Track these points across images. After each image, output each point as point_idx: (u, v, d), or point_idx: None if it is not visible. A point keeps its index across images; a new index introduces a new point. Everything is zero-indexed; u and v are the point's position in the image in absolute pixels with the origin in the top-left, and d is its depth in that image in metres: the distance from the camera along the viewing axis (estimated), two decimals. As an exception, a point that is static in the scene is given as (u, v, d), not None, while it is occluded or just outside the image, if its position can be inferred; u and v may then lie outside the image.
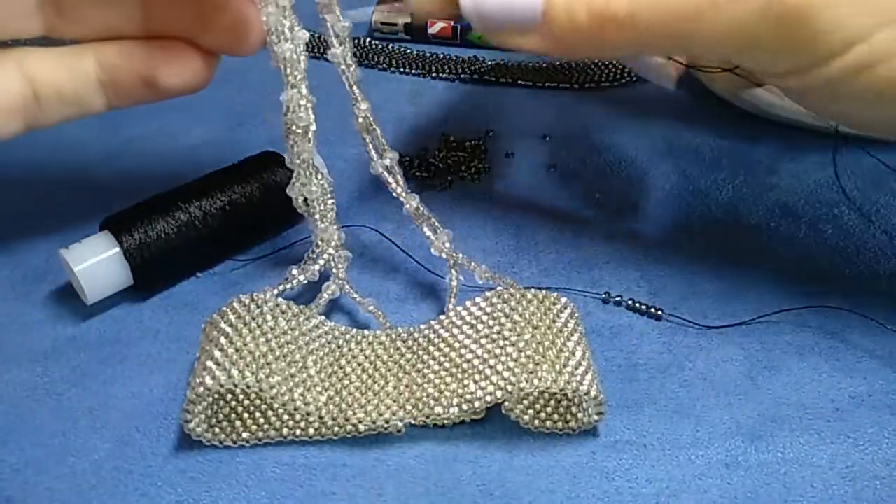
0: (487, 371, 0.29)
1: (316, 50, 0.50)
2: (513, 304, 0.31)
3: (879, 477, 0.29)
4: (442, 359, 0.31)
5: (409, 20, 0.51)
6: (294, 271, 0.33)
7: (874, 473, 0.29)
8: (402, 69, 0.49)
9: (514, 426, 0.30)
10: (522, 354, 0.29)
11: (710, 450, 0.30)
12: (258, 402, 0.30)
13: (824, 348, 0.33)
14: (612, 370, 0.32)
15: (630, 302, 0.35)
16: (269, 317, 0.31)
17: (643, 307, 0.35)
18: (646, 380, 0.32)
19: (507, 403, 0.29)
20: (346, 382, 0.31)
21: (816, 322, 0.34)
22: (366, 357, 0.32)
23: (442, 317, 0.32)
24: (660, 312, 0.34)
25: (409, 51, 0.51)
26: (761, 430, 0.30)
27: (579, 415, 0.30)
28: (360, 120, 0.33)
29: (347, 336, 0.32)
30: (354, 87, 0.32)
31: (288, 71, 0.30)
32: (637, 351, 0.33)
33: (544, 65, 0.49)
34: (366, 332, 0.33)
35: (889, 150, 0.42)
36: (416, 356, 0.31)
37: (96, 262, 0.33)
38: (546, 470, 0.29)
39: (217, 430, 0.30)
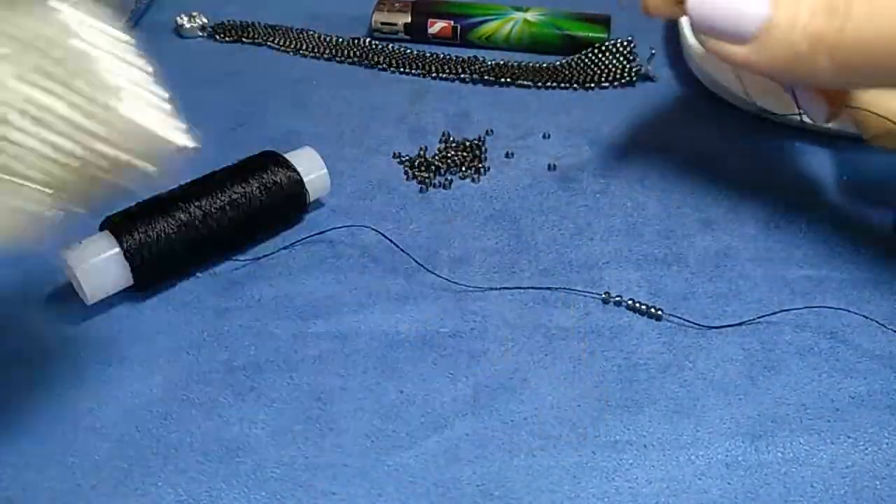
0: None
1: (316, 50, 0.50)
2: None
3: (879, 477, 0.29)
4: None
5: (409, 20, 0.51)
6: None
7: (874, 473, 0.29)
8: (402, 69, 0.49)
9: (514, 426, 0.30)
10: None
11: (710, 450, 0.30)
12: None
13: (824, 348, 0.33)
14: (612, 370, 0.32)
15: (630, 302, 0.35)
16: None
17: (643, 307, 0.35)
18: (646, 380, 0.32)
19: None
20: None
21: (816, 322, 0.34)
22: None
23: None
24: (660, 312, 0.34)
25: (409, 51, 0.51)
26: (761, 430, 0.30)
27: None
28: None
29: None
30: None
31: None
32: (637, 351, 0.33)
33: (544, 65, 0.49)
34: None
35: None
36: None
37: (96, 262, 0.33)
38: (546, 470, 0.29)
39: None
